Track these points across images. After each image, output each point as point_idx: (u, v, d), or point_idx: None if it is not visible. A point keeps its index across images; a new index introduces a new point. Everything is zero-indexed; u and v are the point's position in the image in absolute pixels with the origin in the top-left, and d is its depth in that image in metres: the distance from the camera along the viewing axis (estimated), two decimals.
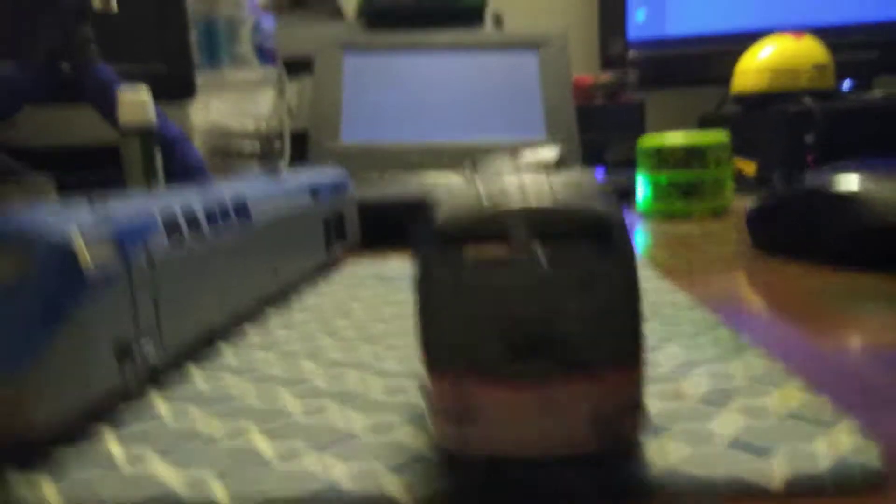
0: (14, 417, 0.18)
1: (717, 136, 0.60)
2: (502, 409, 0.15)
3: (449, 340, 0.15)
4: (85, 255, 0.20)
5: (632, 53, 0.98)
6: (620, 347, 0.15)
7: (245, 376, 0.25)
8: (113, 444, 0.20)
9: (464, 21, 0.85)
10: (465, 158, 0.74)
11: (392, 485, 0.16)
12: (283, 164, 0.66)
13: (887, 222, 0.35)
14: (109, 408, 0.23)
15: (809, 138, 0.78)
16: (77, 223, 0.20)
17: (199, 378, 0.25)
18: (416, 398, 0.22)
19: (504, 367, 0.15)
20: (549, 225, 0.16)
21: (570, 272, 0.15)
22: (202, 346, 0.29)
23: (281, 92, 0.69)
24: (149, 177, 0.43)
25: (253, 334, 0.30)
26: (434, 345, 0.15)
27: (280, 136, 0.70)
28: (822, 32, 0.85)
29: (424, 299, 0.16)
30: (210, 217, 0.28)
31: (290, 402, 0.22)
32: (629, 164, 0.75)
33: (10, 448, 0.19)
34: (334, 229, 0.44)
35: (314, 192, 0.41)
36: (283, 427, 0.20)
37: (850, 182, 0.37)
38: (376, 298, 0.36)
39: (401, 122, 0.77)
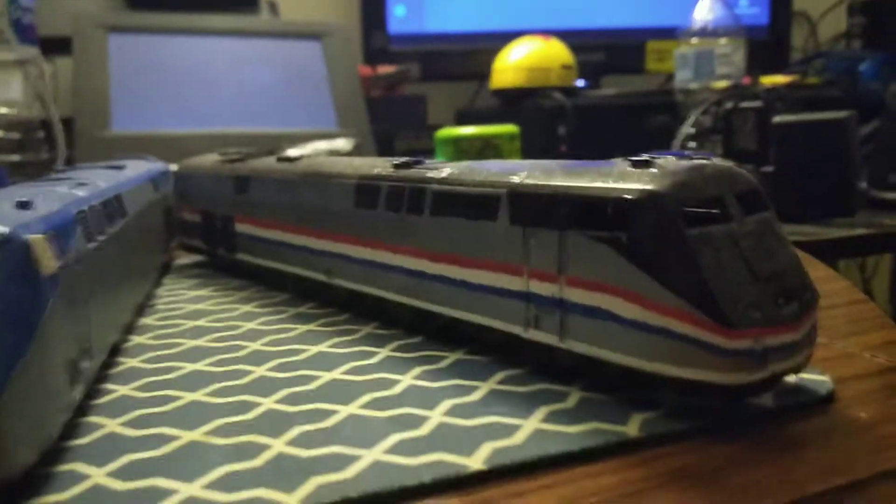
0: None
1: (509, 129, 0.65)
2: (785, 345, 0.18)
3: (734, 299, 0.18)
4: (48, 260, 0.17)
5: (393, 48, 1.01)
6: (812, 287, 0.20)
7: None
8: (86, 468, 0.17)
9: (237, 6, 0.81)
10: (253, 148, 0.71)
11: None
12: (60, 158, 0.57)
13: None
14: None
15: (562, 130, 0.87)
16: (27, 223, 0.17)
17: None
18: None
19: (779, 314, 0.18)
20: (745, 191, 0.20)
21: (777, 227, 0.20)
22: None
23: (41, 74, 0.60)
24: None
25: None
26: (725, 304, 0.18)
27: (42, 125, 0.61)
28: (559, 36, 0.95)
29: (697, 266, 0.18)
30: (110, 215, 0.25)
31: None
32: (419, 155, 0.78)
33: None
34: (169, 223, 0.41)
35: (155, 184, 0.37)
36: None
37: None
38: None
39: (178, 111, 0.71)
